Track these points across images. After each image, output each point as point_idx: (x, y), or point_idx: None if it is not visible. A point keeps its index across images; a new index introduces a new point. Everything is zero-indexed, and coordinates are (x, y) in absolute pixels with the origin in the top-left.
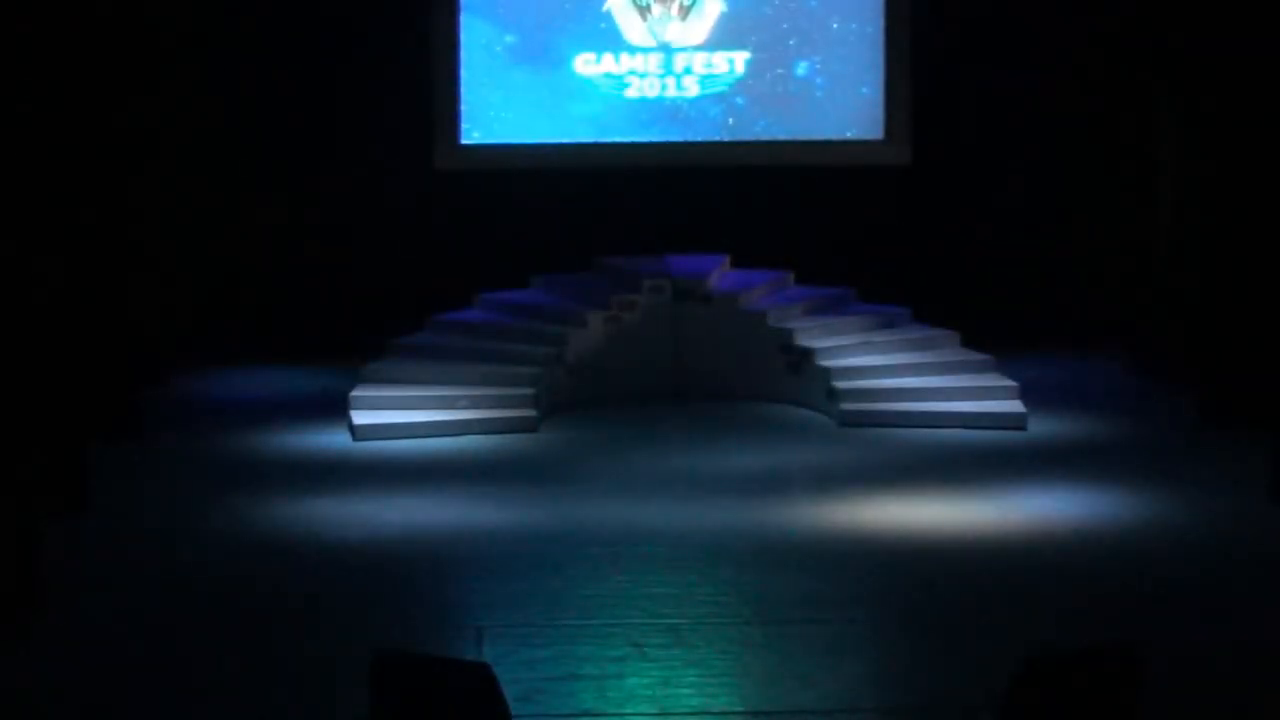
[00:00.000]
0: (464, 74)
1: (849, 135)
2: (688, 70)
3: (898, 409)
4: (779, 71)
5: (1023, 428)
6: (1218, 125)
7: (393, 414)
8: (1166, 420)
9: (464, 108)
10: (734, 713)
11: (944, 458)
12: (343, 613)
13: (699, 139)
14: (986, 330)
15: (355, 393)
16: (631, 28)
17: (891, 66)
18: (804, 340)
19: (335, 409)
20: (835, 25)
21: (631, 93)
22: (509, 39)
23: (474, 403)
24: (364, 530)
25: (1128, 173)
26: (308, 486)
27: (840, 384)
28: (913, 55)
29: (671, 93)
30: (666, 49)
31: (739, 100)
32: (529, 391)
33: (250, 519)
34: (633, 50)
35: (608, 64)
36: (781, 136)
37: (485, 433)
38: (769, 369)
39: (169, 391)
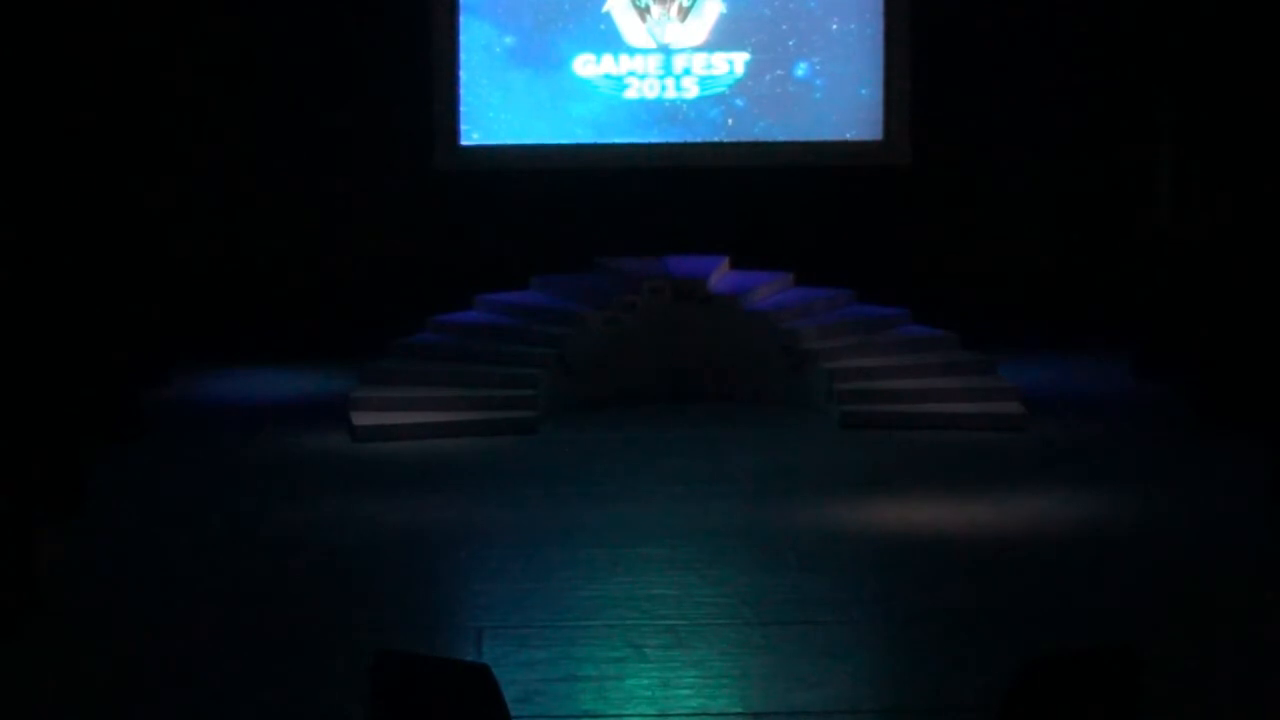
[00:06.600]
0: (464, 75)
1: (848, 136)
2: (687, 71)
3: (897, 410)
4: (778, 72)
5: (1022, 429)
6: (1217, 125)
7: (393, 414)
8: (1166, 420)
9: (464, 109)
10: (733, 714)
11: (944, 459)
12: (343, 613)
13: (698, 140)
14: (986, 331)
15: (355, 393)
16: (631, 29)
17: (891, 67)
18: (804, 341)
19: (335, 409)
20: (834, 26)
21: (631, 94)
22: (508, 40)
23: (474, 403)
24: (364, 530)
25: (1128, 173)
26: (308, 487)
27: (840, 385)
28: (912, 56)
29: (671, 94)
30: (666, 50)
31: (738, 101)
32: (529, 392)
33: (250, 519)
34: (632, 51)
35: (607, 65)
36: (781, 138)
37: (485, 433)
38: (769, 370)
39: (169, 391)
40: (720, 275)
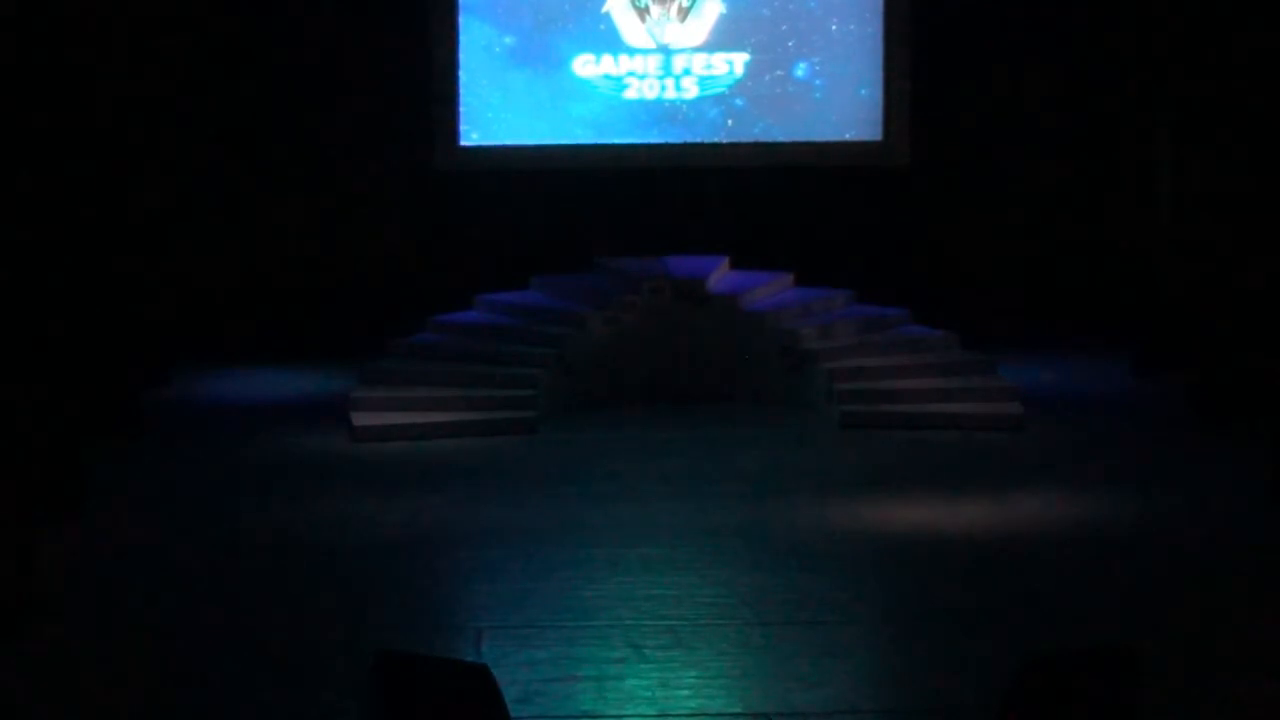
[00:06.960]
0: (463, 75)
1: (848, 136)
2: (686, 71)
3: (898, 410)
4: (778, 73)
5: (1022, 429)
6: (1216, 126)
7: (393, 414)
8: (1166, 420)
9: (463, 109)
10: (733, 714)
11: (944, 458)
12: (343, 613)
13: (698, 140)
14: (986, 331)
15: (355, 393)
16: (630, 29)
17: (890, 67)
18: (804, 341)
19: (335, 410)
20: (834, 26)
21: (630, 94)
22: (508, 40)
23: (474, 403)
24: (364, 530)
25: (1128, 173)
26: (308, 487)
27: (840, 385)
28: (912, 56)
29: (670, 94)
30: (665, 50)
31: (738, 101)
32: (529, 392)
33: (250, 519)
34: (632, 52)
35: (607, 65)
36: (780, 138)
37: (484, 433)
38: (769, 370)
39: (169, 391)
40: (720, 275)
